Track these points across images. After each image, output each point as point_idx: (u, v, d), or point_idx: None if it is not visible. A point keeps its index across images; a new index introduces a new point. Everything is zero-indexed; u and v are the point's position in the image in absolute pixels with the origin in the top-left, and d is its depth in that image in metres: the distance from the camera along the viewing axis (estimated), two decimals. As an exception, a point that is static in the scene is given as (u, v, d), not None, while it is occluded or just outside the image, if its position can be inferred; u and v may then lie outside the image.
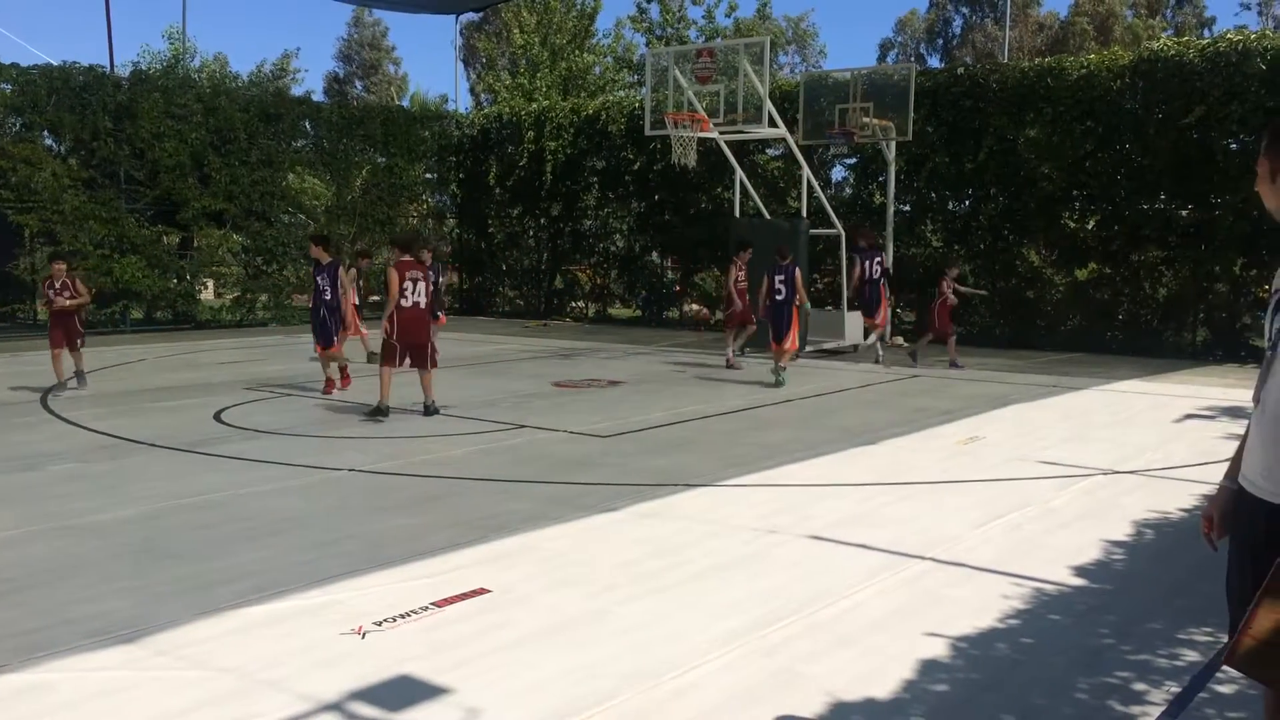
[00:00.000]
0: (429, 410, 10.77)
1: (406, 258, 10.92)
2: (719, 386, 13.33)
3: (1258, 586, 2.62)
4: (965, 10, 59.27)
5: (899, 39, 61.03)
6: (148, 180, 20.15)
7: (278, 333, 19.88)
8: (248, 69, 45.68)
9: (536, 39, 31.21)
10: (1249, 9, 52.02)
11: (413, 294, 10.64)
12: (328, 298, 12.29)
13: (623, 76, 31.93)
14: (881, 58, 58.68)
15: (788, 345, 13.44)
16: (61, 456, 8.74)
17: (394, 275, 10.62)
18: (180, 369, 14.74)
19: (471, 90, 50.78)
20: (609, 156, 23.08)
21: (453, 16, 28.98)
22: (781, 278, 13.42)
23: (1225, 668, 4.50)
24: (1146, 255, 17.38)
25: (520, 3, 32.23)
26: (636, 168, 22.49)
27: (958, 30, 59.49)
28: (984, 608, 5.21)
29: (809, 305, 14.46)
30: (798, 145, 17.23)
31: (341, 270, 12.58)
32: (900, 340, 18.36)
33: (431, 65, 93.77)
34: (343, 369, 12.59)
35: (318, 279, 12.43)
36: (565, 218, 24.30)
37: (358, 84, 59.71)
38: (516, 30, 32.17)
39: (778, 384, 13.08)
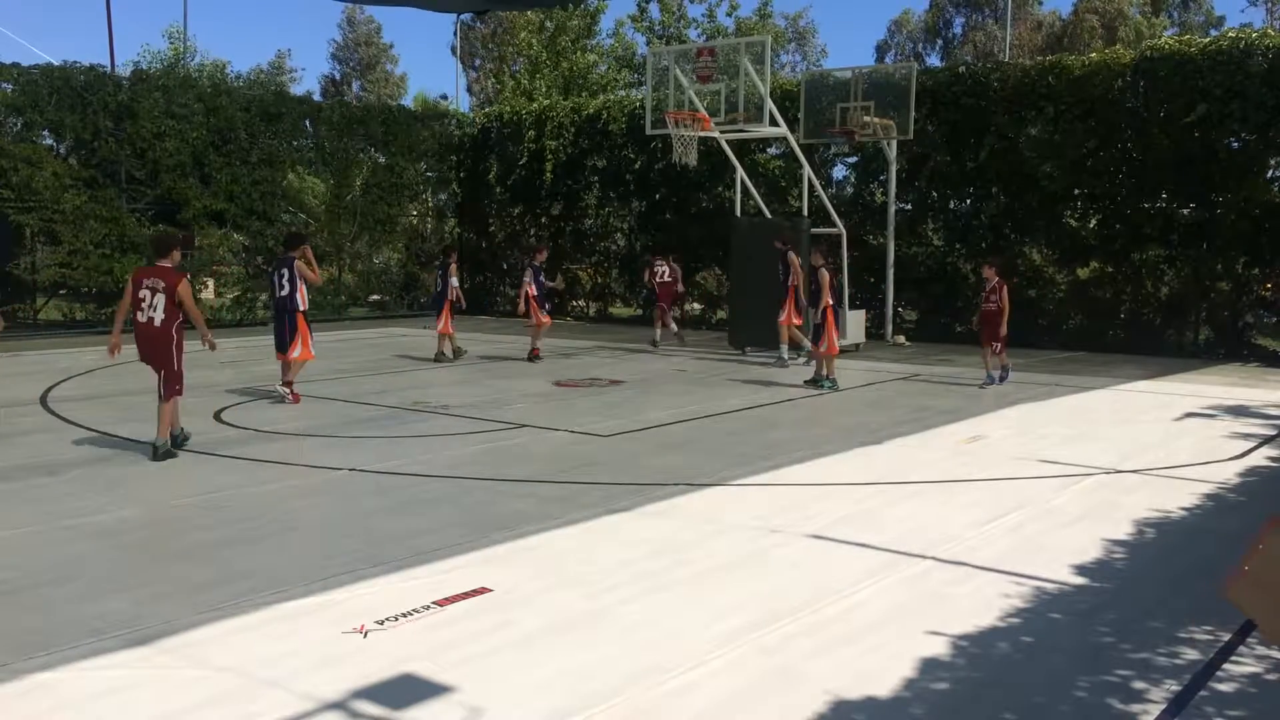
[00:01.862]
0: (158, 453, 8.49)
1: (160, 263, 8.77)
2: (720, 386, 13.32)
3: None
4: (966, 10, 59.18)
5: (896, 40, 60.99)
6: (148, 180, 20.15)
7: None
8: (249, 69, 45.66)
9: (539, 40, 31.15)
10: (1255, 5, 51.80)
11: (148, 308, 8.56)
12: (285, 293, 11.26)
13: (623, 76, 31.90)
14: (879, 58, 58.66)
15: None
16: (62, 457, 8.74)
17: (129, 284, 8.74)
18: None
19: (469, 90, 50.77)
20: (610, 156, 23.08)
21: (452, 16, 28.98)
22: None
23: (1225, 667, 4.52)
24: (1148, 254, 17.36)
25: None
26: (637, 167, 22.49)
27: (959, 30, 59.44)
28: (985, 607, 5.21)
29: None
30: (799, 144, 17.23)
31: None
32: (902, 339, 18.36)
33: (429, 64, 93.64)
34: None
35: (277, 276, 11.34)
36: (566, 217, 24.30)
37: (355, 84, 59.61)
38: (524, 32, 32.11)
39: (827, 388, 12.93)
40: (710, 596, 5.39)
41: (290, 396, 11.39)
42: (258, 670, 4.42)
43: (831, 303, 12.99)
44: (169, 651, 4.62)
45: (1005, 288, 13.11)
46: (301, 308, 11.32)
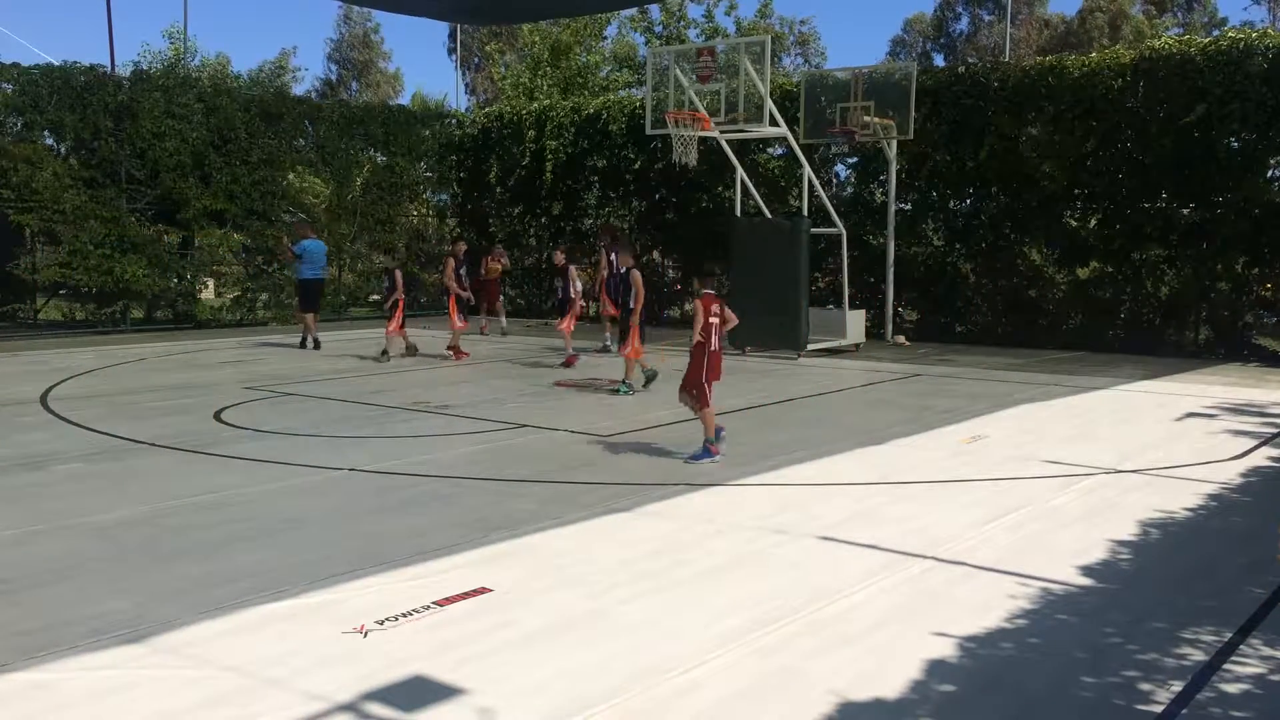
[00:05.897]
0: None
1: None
2: (720, 386, 13.26)
3: None
4: (974, 8, 59.27)
5: (908, 37, 61.17)
6: (148, 180, 20.13)
7: (278, 332, 19.88)
8: (249, 68, 45.61)
9: (536, 37, 31.13)
10: (1258, 3, 51.79)
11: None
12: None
13: (623, 76, 31.88)
14: (893, 54, 58.87)
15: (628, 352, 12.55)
16: (62, 456, 8.73)
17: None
18: (180, 368, 14.72)
19: (470, 90, 50.73)
20: (610, 156, 23.06)
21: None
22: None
23: (1228, 667, 4.52)
24: (1148, 254, 17.35)
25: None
26: (637, 167, 22.47)
27: (965, 28, 59.60)
28: (987, 606, 5.20)
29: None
30: (799, 144, 17.21)
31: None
32: (902, 339, 18.34)
33: (426, 62, 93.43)
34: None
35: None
36: (566, 217, 24.29)
37: (353, 85, 59.49)
38: (525, 29, 32.06)
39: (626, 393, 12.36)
40: (710, 596, 5.38)
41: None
42: (258, 670, 4.41)
43: (638, 307, 12.40)
44: (169, 651, 4.61)
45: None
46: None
